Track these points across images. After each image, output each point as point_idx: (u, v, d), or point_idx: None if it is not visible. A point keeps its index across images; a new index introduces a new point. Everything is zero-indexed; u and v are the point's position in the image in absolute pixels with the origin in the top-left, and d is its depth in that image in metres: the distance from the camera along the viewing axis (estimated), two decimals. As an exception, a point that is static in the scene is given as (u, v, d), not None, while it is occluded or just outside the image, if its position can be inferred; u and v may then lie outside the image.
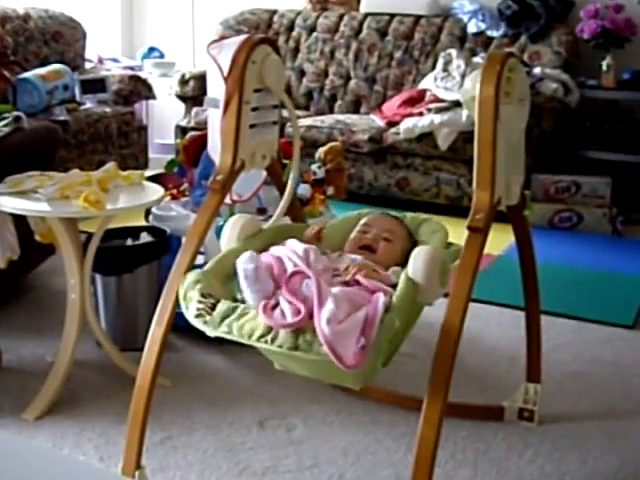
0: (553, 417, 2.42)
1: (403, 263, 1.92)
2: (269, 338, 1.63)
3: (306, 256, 1.81)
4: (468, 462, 2.20)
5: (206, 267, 1.89)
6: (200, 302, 1.74)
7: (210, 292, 1.77)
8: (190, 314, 1.75)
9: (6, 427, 2.32)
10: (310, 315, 1.62)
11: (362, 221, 2.13)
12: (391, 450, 2.25)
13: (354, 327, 1.59)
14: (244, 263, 1.74)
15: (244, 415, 2.41)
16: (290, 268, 1.77)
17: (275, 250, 1.88)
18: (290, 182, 2.19)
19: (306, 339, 1.60)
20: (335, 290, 1.69)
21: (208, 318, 1.71)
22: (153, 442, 2.22)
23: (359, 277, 1.79)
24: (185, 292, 1.79)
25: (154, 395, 1.89)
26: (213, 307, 1.72)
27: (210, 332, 1.72)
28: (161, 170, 3.22)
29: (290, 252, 1.83)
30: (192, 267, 1.92)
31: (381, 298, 1.67)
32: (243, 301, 1.78)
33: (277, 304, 1.67)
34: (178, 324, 1.97)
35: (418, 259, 1.76)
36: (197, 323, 1.73)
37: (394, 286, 1.79)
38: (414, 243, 2.08)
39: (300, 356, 1.62)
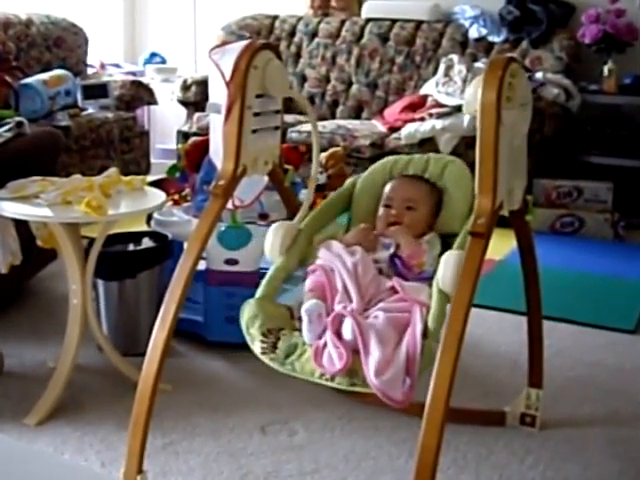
0: (555, 422, 2.41)
1: (433, 221, 2.17)
2: (329, 377, 1.80)
3: (354, 270, 1.97)
4: (470, 468, 2.20)
5: (258, 293, 2.03)
6: (263, 341, 1.89)
7: (270, 327, 1.92)
8: (256, 351, 1.91)
9: (7, 432, 2.32)
10: (357, 352, 1.78)
11: (386, 190, 2.24)
12: (393, 456, 2.25)
13: (399, 372, 1.74)
14: (310, 310, 1.86)
15: (246, 420, 2.41)
16: (340, 286, 1.94)
17: (325, 260, 2.03)
18: (310, 182, 2.23)
19: (359, 377, 1.77)
20: (376, 321, 1.83)
21: (273, 356, 1.87)
22: (155, 447, 2.22)
23: (396, 284, 1.94)
24: (247, 328, 1.94)
25: (156, 400, 1.89)
26: (275, 345, 1.88)
27: (277, 368, 1.88)
28: (163, 175, 3.22)
29: (340, 265, 1.98)
30: (194, 273, 1.93)
31: (418, 324, 1.81)
32: (298, 314, 1.94)
33: (325, 345, 1.81)
34: (180, 329, 1.97)
35: (447, 270, 1.83)
36: (264, 359, 1.89)
37: (430, 279, 1.93)
38: (440, 193, 2.21)
39: (359, 391, 1.80)
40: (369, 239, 2.12)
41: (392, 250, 2.07)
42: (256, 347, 1.90)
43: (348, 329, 1.80)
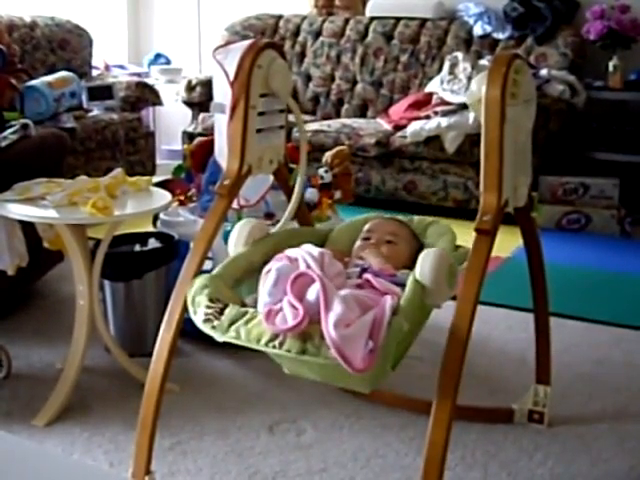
0: (563, 419, 2.41)
1: (411, 265, 1.92)
2: (277, 343, 1.63)
3: (321, 258, 1.81)
4: (478, 465, 2.20)
5: (214, 272, 1.91)
6: (208, 307, 1.74)
7: (218, 297, 1.77)
8: (198, 319, 1.75)
9: (16, 433, 2.32)
10: (317, 318, 1.61)
11: (366, 227, 2.15)
12: (401, 453, 2.25)
13: (362, 330, 1.58)
14: (280, 270, 1.73)
15: (253, 420, 2.41)
16: (303, 269, 1.76)
17: (290, 252, 1.87)
18: (297, 186, 2.20)
19: (314, 343, 1.60)
20: (343, 292, 1.69)
21: (216, 323, 1.71)
22: (162, 447, 2.22)
23: (370, 277, 1.80)
24: (193, 297, 1.79)
25: (163, 400, 1.89)
26: (221, 312, 1.72)
27: (218, 337, 1.72)
28: (168, 176, 3.22)
29: (306, 254, 1.82)
30: (200, 272, 1.92)
31: (389, 301, 1.66)
32: (253, 305, 1.79)
33: (281, 309, 1.66)
34: (187, 329, 1.97)
35: (426, 261, 1.76)
36: (205, 328, 1.73)
37: (403, 286, 1.79)
38: (421, 245, 2.09)
39: (308, 360, 1.62)
40: (342, 261, 1.97)
41: (365, 266, 1.94)
42: (199, 315, 1.74)
43: (313, 292, 1.65)
